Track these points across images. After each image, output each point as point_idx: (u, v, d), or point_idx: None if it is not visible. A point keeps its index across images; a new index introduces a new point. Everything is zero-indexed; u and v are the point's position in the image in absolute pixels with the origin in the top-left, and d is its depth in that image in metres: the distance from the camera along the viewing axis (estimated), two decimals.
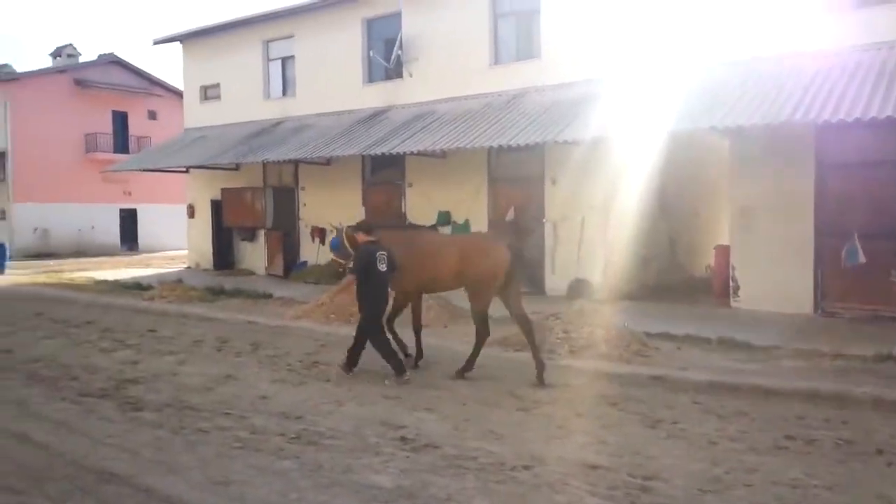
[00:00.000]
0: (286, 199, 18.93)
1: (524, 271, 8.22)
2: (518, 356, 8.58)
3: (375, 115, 16.36)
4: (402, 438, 5.51)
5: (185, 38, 21.13)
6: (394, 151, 13.91)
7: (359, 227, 7.96)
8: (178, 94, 25.71)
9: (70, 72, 30.42)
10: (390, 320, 8.12)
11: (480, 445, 5.33)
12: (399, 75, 16.37)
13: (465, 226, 15.17)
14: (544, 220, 14.02)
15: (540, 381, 7.20)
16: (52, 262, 25.20)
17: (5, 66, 31.05)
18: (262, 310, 13.04)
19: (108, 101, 31.24)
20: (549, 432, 5.73)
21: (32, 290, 16.78)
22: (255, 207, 19.32)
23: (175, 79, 29.53)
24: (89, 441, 5.58)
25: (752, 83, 11.13)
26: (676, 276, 15.20)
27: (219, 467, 4.97)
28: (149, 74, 32.85)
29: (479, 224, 14.97)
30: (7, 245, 22.49)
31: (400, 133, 14.60)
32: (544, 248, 14.04)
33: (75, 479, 4.80)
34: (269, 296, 14.53)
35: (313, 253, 17.92)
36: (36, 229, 28.92)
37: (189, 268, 21.32)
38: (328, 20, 17.48)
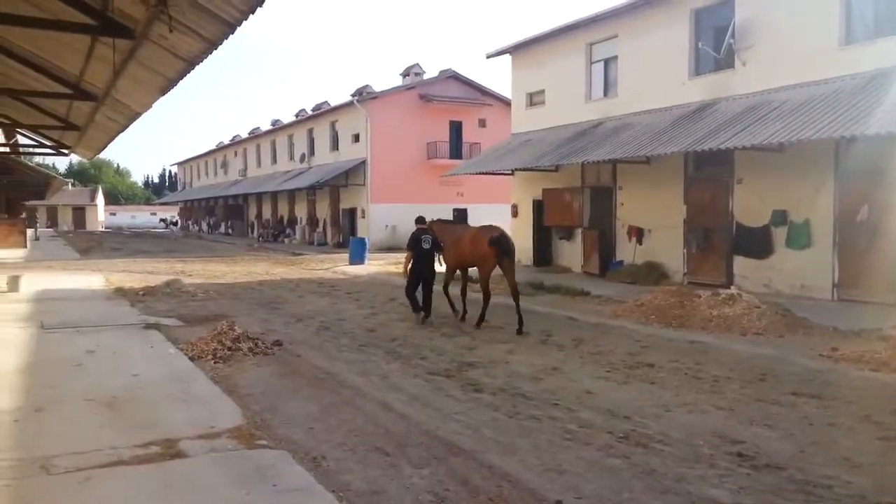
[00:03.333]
0: (603, 199, 19.06)
1: (512, 255, 11.11)
2: (875, 377, 7.50)
3: (701, 110, 15.56)
4: (739, 454, 5.18)
5: (514, 50, 22.56)
6: (724, 147, 13.06)
7: (416, 221, 11.83)
8: (505, 102, 27.49)
9: (416, 88, 34.56)
10: (445, 287, 11.86)
11: (834, 473, 4.78)
12: (729, 65, 15.33)
13: (805, 226, 13.61)
14: None
15: (519, 332, 10.28)
16: (398, 255, 28.99)
17: (366, 86, 36.35)
18: (580, 306, 13.37)
19: (446, 112, 34.82)
20: None
21: (386, 279, 19.51)
22: (572, 207, 19.83)
23: (502, 88, 31.52)
24: (439, 415, 6.29)
25: None
26: None
27: (551, 455, 5.22)
28: (480, 85, 35.73)
29: (824, 226, 13.32)
30: (366, 239, 26.52)
31: (730, 127, 13.66)
32: None
33: (430, 447, 5.42)
34: (587, 293, 14.80)
35: (630, 252, 17.76)
36: (387, 226, 33.48)
37: None
38: (654, 16, 17.11)
